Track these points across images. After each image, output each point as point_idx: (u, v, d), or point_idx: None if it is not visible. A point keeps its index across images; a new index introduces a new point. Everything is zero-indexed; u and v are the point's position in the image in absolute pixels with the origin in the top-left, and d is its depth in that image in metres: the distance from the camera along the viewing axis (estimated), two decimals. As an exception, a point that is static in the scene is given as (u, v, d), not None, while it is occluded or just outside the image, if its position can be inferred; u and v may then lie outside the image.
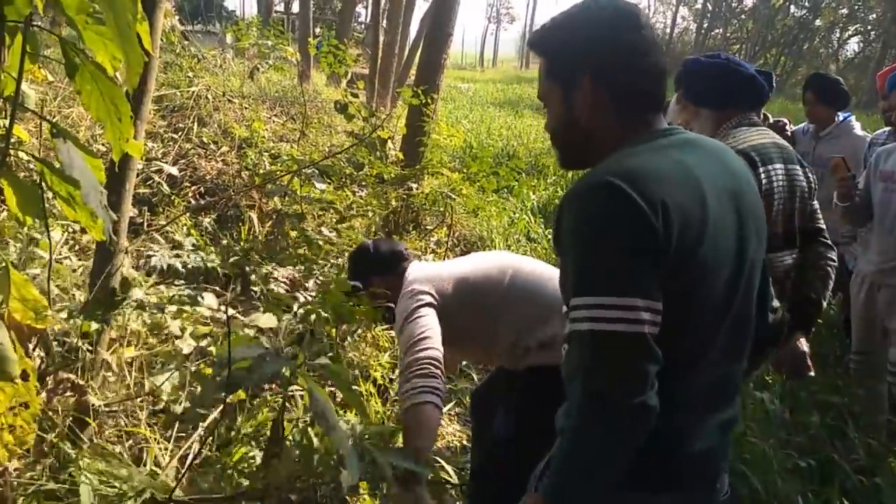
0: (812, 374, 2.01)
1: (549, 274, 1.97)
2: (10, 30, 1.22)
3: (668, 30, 47.12)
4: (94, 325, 1.59)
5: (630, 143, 1.08)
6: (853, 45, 35.01)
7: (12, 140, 1.39)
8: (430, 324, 1.82)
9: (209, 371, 2.02)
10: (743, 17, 38.75)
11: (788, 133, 3.72)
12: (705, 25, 41.80)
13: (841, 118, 3.54)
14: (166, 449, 1.90)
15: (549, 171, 8.86)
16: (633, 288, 0.95)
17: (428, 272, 2.03)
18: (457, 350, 2.06)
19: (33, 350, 1.63)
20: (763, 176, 1.91)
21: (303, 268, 3.55)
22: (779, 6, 33.62)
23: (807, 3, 33.59)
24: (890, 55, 23.97)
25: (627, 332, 0.93)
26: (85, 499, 1.49)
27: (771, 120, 3.78)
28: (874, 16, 31.30)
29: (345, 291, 1.73)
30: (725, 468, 1.19)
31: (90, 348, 1.79)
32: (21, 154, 2.84)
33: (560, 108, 1.15)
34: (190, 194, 4.11)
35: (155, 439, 1.91)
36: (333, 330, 2.52)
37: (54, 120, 4.05)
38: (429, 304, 1.89)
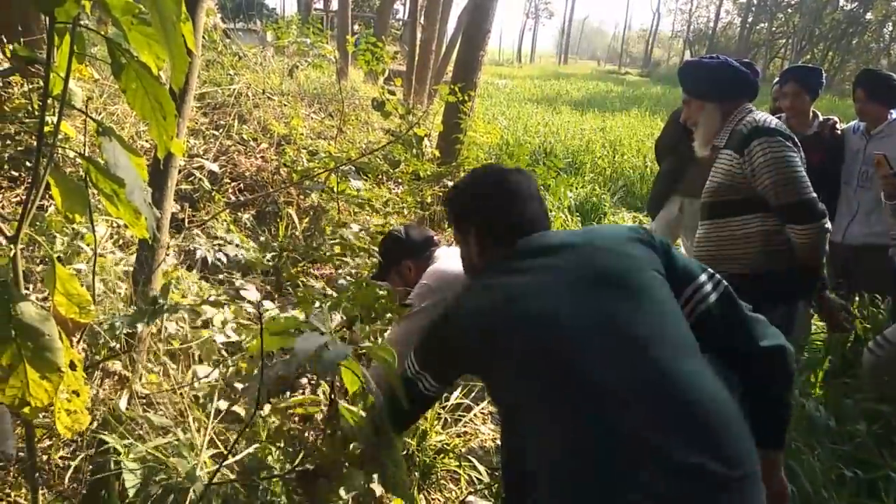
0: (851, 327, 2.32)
1: None
2: (59, 31, 1.25)
3: (711, 24, 46.06)
4: (139, 325, 1.62)
5: (490, 267, 1.45)
6: (907, 39, 33.73)
7: (59, 136, 1.42)
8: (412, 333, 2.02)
9: (245, 365, 2.06)
10: (789, 10, 37.71)
11: (838, 131, 3.60)
12: (750, 20, 40.80)
13: (893, 116, 3.41)
14: (207, 436, 1.93)
15: (586, 168, 8.77)
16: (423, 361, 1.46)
17: (447, 272, 2.15)
18: None
19: (78, 343, 1.67)
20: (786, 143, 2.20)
21: (339, 263, 3.58)
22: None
23: (857, -4, 32.51)
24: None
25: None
26: (130, 485, 1.52)
27: (820, 118, 3.67)
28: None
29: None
30: None
31: (133, 340, 1.83)
32: (68, 151, 2.92)
33: (464, 247, 1.57)
34: (230, 190, 4.18)
35: (197, 428, 1.95)
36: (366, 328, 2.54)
37: (100, 117, 4.15)
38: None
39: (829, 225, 2.23)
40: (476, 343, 1.30)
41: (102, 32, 1.43)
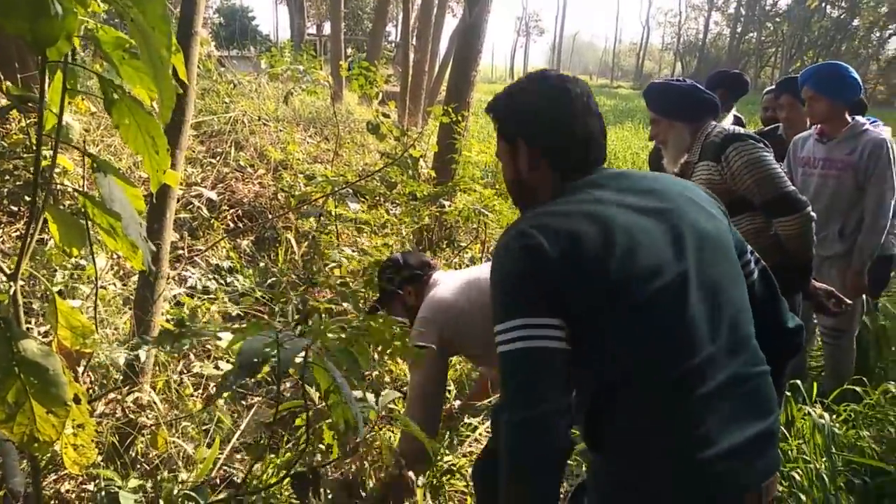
0: (848, 303, 2.35)
1: None
2: (52, 67, 1.26)
3: (700, 35, 46.50)
4: (142, 353, 1.63)
5: (557, 195, 1.25)
6: (894, 44, 34.02)
7: (57, 170, 1.44)
8: (429, 379, 2.15)
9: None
10: (777, 19, 38.08)
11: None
12: (739, 30, 41.18)
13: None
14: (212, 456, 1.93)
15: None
16: (531, 311, 1.11)
17: (443, 300, 2.20)
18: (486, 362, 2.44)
19: (82, 375, 1.67)
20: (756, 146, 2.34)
21: (338, 287, 3.58)
22: (814, 7, 32.92)
23: (844, 4, 32.84)
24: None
25: (536, 347, 1.09)
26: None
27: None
28: (916, 13, 30.41)
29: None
30: (760, 486, 1.14)
31: (138, 367, 1.84)
32: (66, 184, 2.94)
33: (509, 164, 1.34)
34: (229, 217, 4.19)
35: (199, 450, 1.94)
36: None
37: (97, 149, 4.18)
38: (433, 352, 2.11)
39: (813, 213, 2.32)
40: (577, 269, 1.11)
41: (94, 68, 1.45)
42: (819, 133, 3.12)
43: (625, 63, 78.11)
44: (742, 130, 2.47)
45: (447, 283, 2.31)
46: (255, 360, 1.30)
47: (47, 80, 1.21)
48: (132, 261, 1.48)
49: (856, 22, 33.11)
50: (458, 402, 2.93)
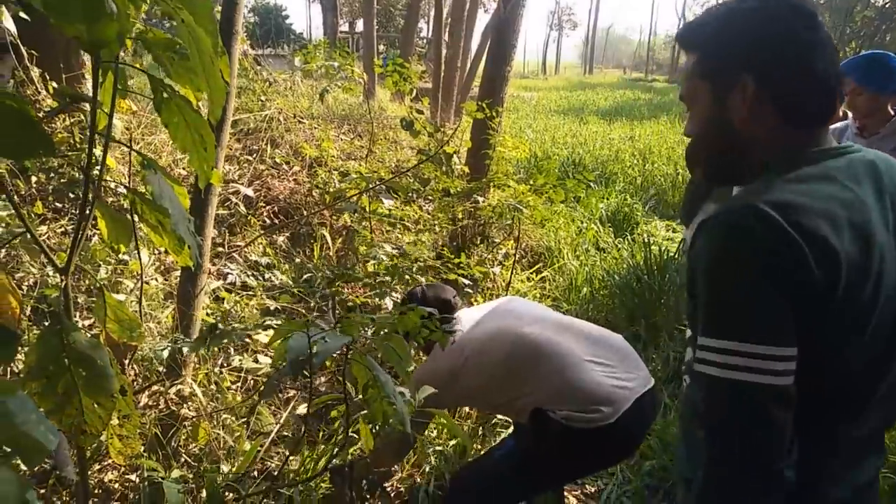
0: None
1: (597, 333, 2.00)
2: (104, 68, 1.30)
3: (737, 28, 45.58)
4: (185, 347, 1.67)
5: (791, 161, 0.93)
6: (942, 34, 32.84)
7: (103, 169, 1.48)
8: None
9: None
10: (818, 9, 37.07)
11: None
12: (778, 21, 40.28)
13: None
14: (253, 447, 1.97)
15: (617, 178, 8.70)
16: (770, 334, 0.83)
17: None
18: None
19: (128, 366, 1.72)
20: None
21: (373, 282, 3.61)
22: (858, -3, 31.98)
23: (889, -8, 31.84)
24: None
25: (763, 384, 0.83)
26: (171, 498, 1.54)
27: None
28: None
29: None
30: None
31: (181, 360, 1.88)
32: (110, 182, 3.01)
33: (710, 109, 0.99)
34: (265, 213, 4.26)
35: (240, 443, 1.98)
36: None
37: (138, 147, 4.28)
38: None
39: None
40: (828, 263, 0.84)
41: (143, 68, 1.48)
42: (860, 127, 2.95)
43: (660, 56, 76.93)
44: None
45: (471, 321, 2.08)
46: (302, 357, 1.32)
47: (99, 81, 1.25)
48: (178, 256, 1.51)
49: (901, 11, 32.07)
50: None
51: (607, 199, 7.29)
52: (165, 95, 1.33)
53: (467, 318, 2.11)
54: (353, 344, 1.48)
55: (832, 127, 3.23)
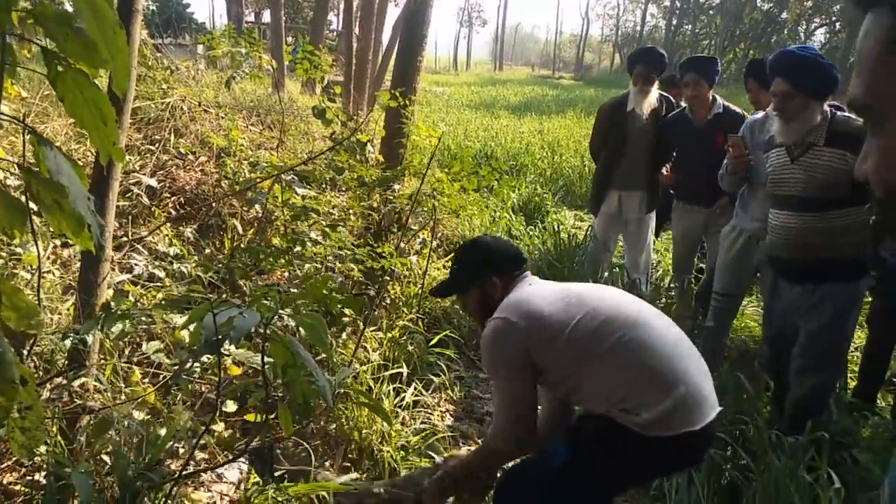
0: None
1: (672, 336, 1.84)
2: (-11, 41, 1.22)
3: (638, 27, 47.56)
4: (88, 337, 1.59)
5: None
6: (819, 37, 35.64)
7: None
8: (517, 390, 1.83)
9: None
10: (711, 12, 39.31)
11: None
12: (674, 22, 42.33)
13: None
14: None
15: (528, 170, 8.95)
16: None
17: (535, 308, 1.85)
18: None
19: (27, 358, 1.63)
20: None
21: (288, 273, 3.56)
22: (745, 0, 34.17)
23: (772, -3, 34.20)
24: (854, 45, 24.46)
25: None
26: (81, 489, 1.47)
27: (719, 101, 3.92)
28: (838, 6, 31.90)
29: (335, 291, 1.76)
30: None
31: (84, 353, 1.79)
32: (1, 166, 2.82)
33: None
34: (170, 205, 4.09)
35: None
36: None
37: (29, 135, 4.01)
38: (517, 363, 1.82)
39: None
40: None
41: (35, 40, 1.41)
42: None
43: (566, 54, 79.18)
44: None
45: (539, 288, 1.97)
46: (218, 336, 1.29)
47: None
48: (77, 239, 1.44)
49: (784, 15, 34.54)
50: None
51: (519, 189, 7.49)
52: (60, 69, 1.26)
53: (536, 281, 2.02)
54: (272, 324, 1.47)
55: (752, 119, 3.40)
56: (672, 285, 4.31)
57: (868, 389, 3.24)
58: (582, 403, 1.95)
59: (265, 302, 1.58)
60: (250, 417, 2.30)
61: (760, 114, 3.42)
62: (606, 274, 4.49)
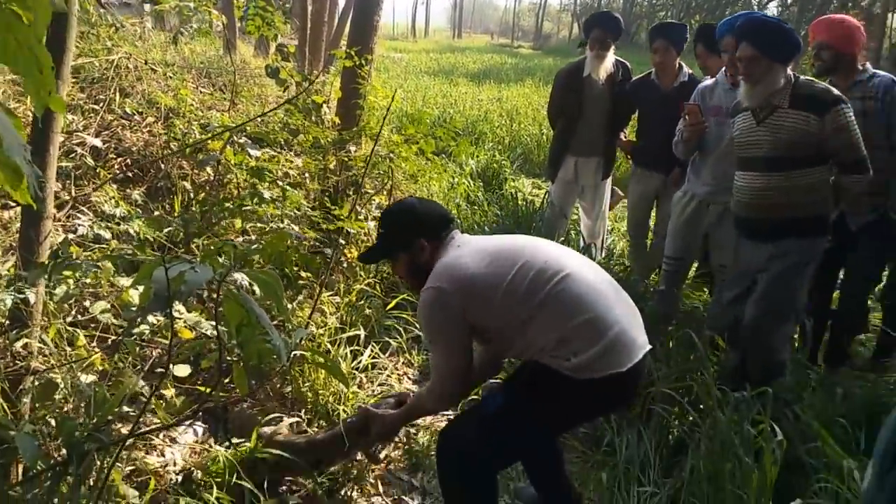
0: None
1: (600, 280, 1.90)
2: None
3: (596, -3, 47.60)
4: (30, 295, 1.52)
5: None
6: (773, 9, 36.33)
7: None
8: (455, 355, 1.89)
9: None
10: (667, -17, 39.54)
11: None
12: (632, -7, 42.49)
13: None
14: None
15: (486, 137, 8.93)
16: None
17: (465, 270, 1.86)
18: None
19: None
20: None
21: (242, 237, 3.48)
22: (701, -28, 34.47)
23: (727, -31, 34.57)
24: (805, 18, 25.00)
25: None
26: (25, 451, 1.41)
27: (685, 70, 3.96)
28: (789, -19, 32.52)
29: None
30: None
31: (26, 311, 1.72)
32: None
33: None
34: (116, 166, 3.94)
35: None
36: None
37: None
38: (453, 329, 1.86)
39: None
40: None
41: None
42: (732, 83, 3.22)
43: (525, 23, 78.70)
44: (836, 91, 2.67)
45: (470, 249, 1.94)
46: (168, 292, 1.25)
47: None
48: (14, 192, 1.37)
49: (738, -13, 35.00)
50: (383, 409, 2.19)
51: (477, 156, 7.48)
52: (-9, 7, 1.18)
53: (465, 239, 2.01)
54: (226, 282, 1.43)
55: (703, 86, 3.49)
56: (626, 251, 4.39)
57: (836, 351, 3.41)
58: (519, 356, 2.01)
59: (219, 258, 1.54)
60: (203, 388, 2.26)
61: (710, 80, 3.48)
62: (562, 240, 4.54)
